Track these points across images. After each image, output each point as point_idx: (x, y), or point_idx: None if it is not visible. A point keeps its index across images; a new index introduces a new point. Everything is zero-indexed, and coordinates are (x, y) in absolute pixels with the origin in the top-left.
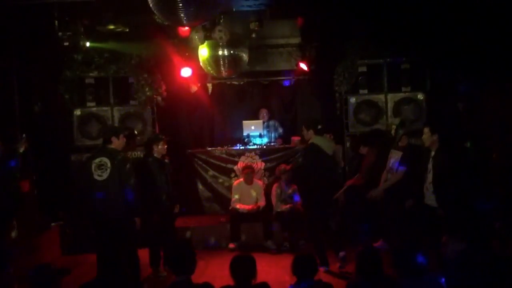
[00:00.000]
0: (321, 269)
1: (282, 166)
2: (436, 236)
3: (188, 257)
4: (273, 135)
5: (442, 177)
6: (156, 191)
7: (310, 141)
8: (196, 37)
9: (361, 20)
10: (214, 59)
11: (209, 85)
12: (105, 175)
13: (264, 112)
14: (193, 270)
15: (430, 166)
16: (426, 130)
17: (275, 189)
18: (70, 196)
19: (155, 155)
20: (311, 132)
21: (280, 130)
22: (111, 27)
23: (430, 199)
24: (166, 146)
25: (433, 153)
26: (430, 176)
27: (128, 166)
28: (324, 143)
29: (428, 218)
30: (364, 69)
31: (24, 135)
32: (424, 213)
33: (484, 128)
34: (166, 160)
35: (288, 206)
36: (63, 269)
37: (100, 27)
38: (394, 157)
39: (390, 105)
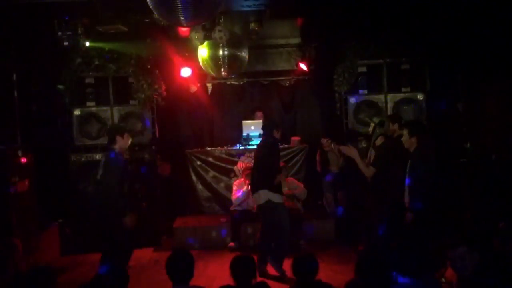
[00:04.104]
0: None
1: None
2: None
3: (187, 266)
4: None
5: (413, 178)
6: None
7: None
8: (196, 37)
9: (361, 20)
10: (214, 59)
11: (209, 85)
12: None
13: (259, 115)
14: (191, 278)
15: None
16: (405, 132)
17: None
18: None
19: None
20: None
21: None
22: (111, 27)
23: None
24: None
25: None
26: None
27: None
28: None
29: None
30: (364, 69)
31: None
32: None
33: (484, 128)
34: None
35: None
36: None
37: (100, 27)
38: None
39: (390, 105)
